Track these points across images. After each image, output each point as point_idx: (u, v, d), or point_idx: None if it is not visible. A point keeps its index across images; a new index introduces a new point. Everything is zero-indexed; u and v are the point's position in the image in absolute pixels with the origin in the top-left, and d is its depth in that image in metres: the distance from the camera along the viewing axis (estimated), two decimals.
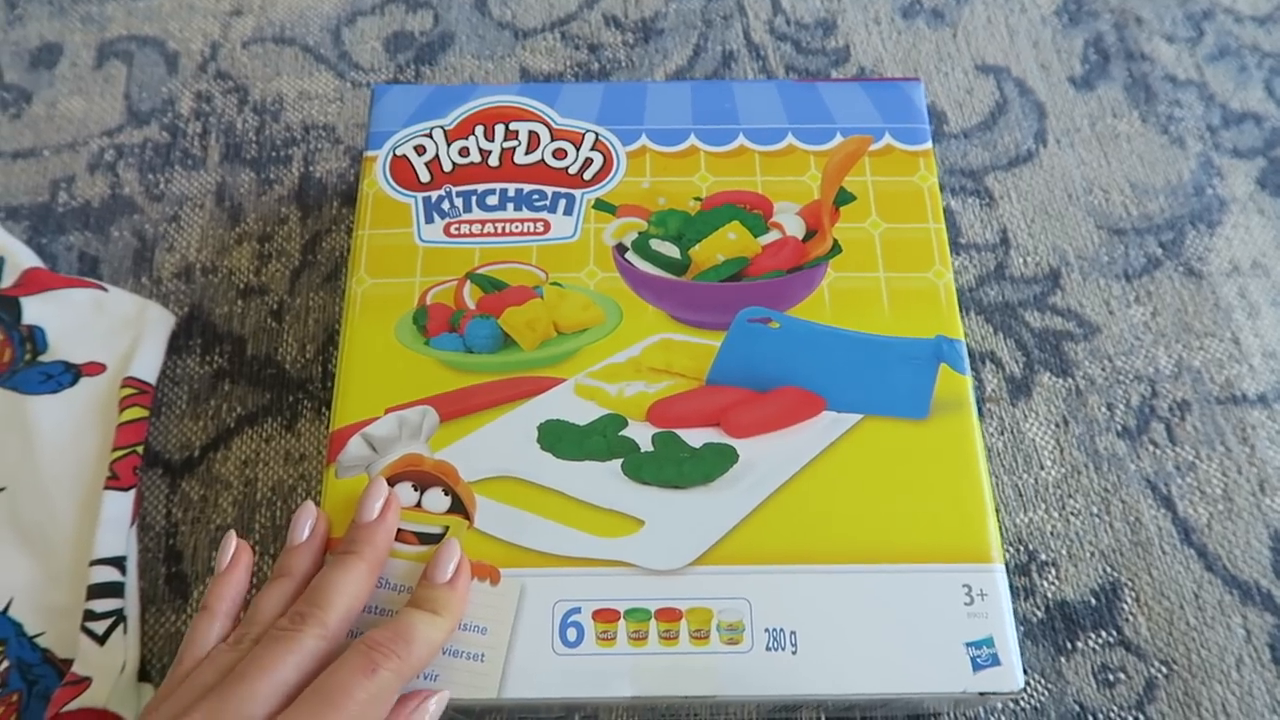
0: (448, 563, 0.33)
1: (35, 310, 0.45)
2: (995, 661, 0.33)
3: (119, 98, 0.54)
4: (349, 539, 0.33)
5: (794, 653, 0.33)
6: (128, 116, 0.54)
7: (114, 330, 0.46)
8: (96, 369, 0.44)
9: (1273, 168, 0.52)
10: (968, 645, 0.33)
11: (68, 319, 0.45)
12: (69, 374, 0.44)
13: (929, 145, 0.43)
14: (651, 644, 0.33)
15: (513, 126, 0.43)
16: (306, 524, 0.34)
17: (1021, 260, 0.49)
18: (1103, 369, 0.46)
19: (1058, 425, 0.45)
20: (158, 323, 0.46)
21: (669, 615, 0.34)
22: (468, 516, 0.35)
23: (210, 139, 0.53)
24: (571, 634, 0.34)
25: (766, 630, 0.34)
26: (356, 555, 0.33)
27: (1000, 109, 0.54)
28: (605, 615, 0.34)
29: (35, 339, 0.45)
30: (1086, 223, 0.50)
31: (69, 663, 0.38)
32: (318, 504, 0.35)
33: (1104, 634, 0.41)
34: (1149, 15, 0.56)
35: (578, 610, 0.34)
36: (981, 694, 0.33)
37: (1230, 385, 0.46)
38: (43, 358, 0.44)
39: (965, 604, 0.34)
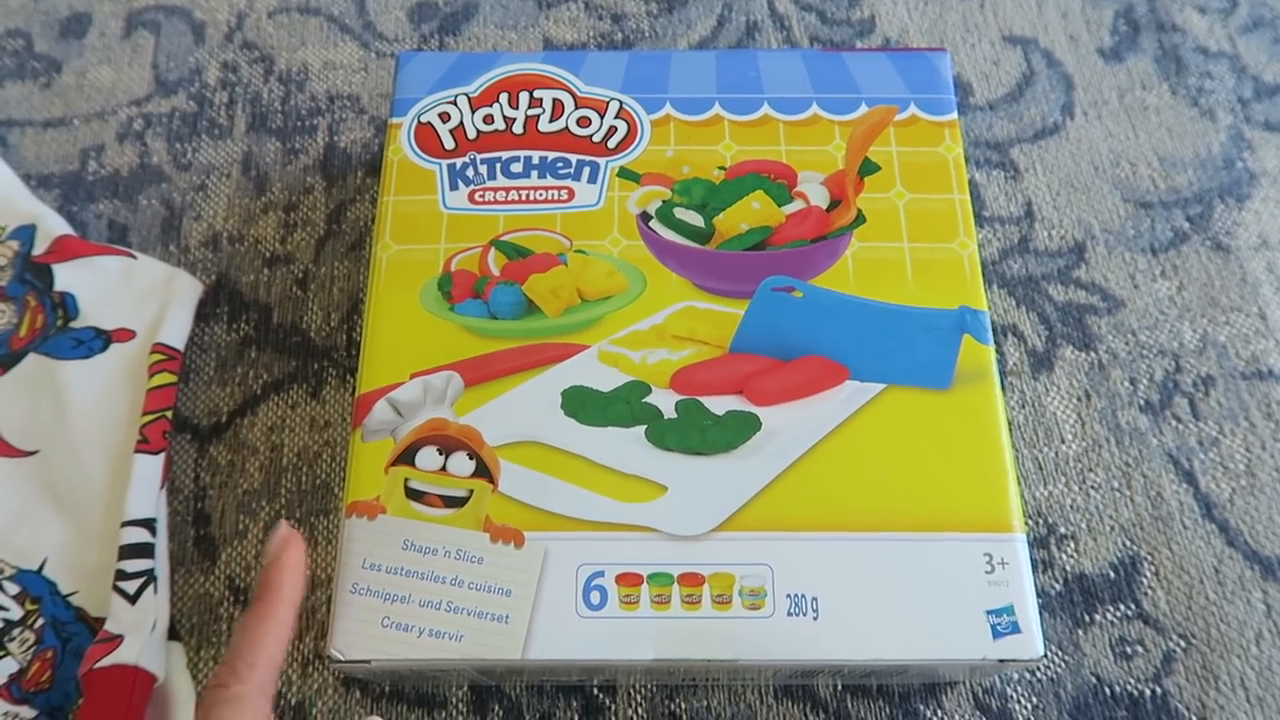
0: None
1: (67, 277, 0.46)
2: (1016, 629, 0.33)
3: (147, 67, 0.55)
4: (258, 582, 0.33)
5: (815, 619, 0.34)
6: (155, 86, 0.54)
7: (143, 297, 0.46)
8: (127, 335, 0.45)
9: None
10: (988, 613, 0.34)
11: (98, 286, 0.46)
12: (100, 340, 0.45)
13: (955, 116, 0.42)
14: (674, 608, 0.34)
15: (537, 94, 0.43)
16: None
17: (1046, 233, 0.49)
18: (1126, 343, 0.46)
19: (1079, 399, 0.45)
20: (186, 290, 0.47)
21: (692, 580, 0.34)
22: (492, 480, 0.36)
23: (236, 109, 0.53)
24: (595, 597, 0.34)
25: (788, 596, 0.34)
26: (260, 602, 0.32)
27: (1027, 80, 0.53)
28: (628, 579, 0.34)
29: (67, 305, 0.45)
30: (1113, 196, 0.50)
31: (101, 621, 0.39)
32: (344, 468, 0.35)
33: (1122, 607, 0.41)
34: None
35: (601, 574, 0.34)
36: (1001, 661, 0.33)
37: (1256, 360, 0.46)
38: (74, 324, 0.45)
39: (986, 572, 0.34)
